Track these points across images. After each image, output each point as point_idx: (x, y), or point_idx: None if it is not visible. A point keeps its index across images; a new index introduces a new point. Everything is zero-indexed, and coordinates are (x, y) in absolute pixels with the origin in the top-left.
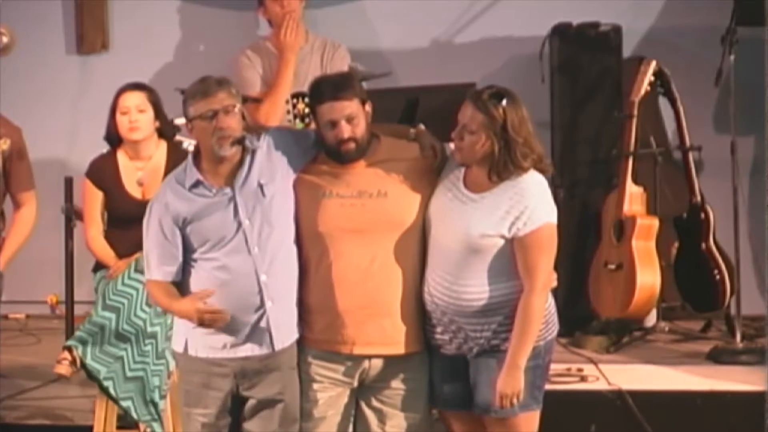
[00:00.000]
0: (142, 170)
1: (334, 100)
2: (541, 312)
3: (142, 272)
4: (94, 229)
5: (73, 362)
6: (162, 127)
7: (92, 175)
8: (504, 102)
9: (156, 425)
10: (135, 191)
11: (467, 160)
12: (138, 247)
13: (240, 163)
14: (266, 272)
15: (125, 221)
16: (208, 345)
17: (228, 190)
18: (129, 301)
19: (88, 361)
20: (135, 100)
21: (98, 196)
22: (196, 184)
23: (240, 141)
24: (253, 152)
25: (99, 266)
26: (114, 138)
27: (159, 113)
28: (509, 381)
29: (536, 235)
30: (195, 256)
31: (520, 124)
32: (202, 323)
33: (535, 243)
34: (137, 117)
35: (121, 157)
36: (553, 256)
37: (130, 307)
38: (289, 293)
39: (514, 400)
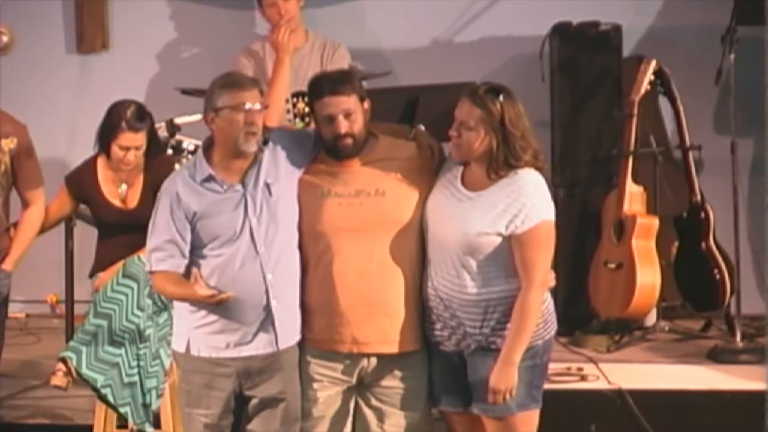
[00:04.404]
0: (124, 182)
1: (332, 95)
2: (538, 309)
3: (130, 278)
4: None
5: (68, 373)
6: (150, 145)
7: (71, 185)
8: (501, 97)
9: (147, 426)
10: (116, 200)
11: (465, 156)
12: (125, 250)
13: (252, 162)
14: (272, 271)
15: (110, 228)
16: (211, 345)
17: (239, 187)
18: (120, 307)
19: (83, 370)
20: (136, 142)
21: (66, 204)
22: (208, 178)
23: (265, 142)
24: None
25: (95, 271)
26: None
27: (152, 137)
28: (502, 377)
29: (533, 232)
30: (204, 252)
31: (517, 118)
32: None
33: (532, 240)
34: (133, 156)
35: (102, 167)
36: (550, 253)
37: (121, 312)
38: (292, 293)
39: (507, 396)
